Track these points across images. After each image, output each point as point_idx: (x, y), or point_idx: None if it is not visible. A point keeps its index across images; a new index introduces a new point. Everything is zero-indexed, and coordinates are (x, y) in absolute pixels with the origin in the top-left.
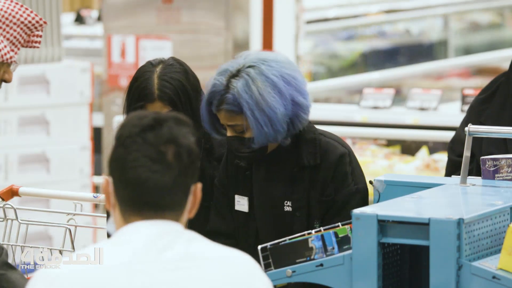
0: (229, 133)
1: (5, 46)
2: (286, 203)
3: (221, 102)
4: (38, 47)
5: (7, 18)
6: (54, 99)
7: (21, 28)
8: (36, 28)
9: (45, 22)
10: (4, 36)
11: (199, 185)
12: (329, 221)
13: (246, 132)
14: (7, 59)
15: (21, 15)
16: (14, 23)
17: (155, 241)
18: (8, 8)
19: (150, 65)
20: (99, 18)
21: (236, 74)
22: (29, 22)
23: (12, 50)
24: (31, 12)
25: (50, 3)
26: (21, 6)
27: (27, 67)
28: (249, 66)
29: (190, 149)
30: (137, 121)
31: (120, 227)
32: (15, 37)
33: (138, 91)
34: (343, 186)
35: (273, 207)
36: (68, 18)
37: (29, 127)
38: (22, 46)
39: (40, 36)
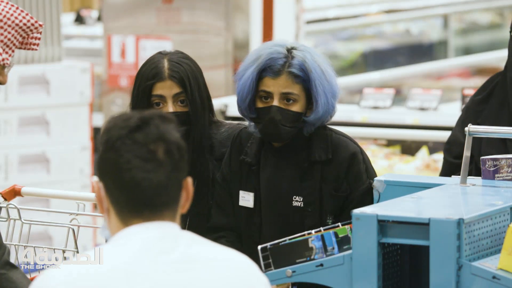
0: (276, 103)
1: None
2: (295, 198)
3: (284, 66)
4: (36, 49)
5: (1, 20)
6: (54, 99)
7: (16, 31)
8: (31, 30)
9: (40, 25)
10: None
11: (189, 179)
12: (346, 219)
13: (295, 105)
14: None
15: (16, 17)
16: (9, 25)
17: (154, 244)
18: (3, 10)
19: (159, 53)
20: (99, 18)
21: (294, 47)
22: (24, 24)
23: (6, 53)
24: (27, 14)
25: (50, 3)
26: (17, 8)
27: (27, 67)
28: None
29: (178, 144)
30: (123, 123)
31: (117, 231)
32: (9, 39)
33: (148, 71)
34: (358, 184)
35: (280, 202)
36: (68, 18)
37: (29, 127)
38: (19, 48)
39: (39, 39)
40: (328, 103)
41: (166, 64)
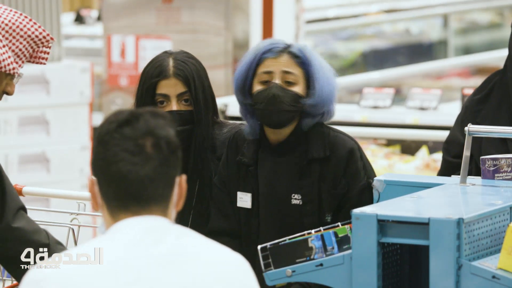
0: (277, 80)
1: (9, 57)
2: (294, 196)
3: (285, 48)
4: (44, 64)
5: (14, 30)
6: (54, 99)
7: (28, 42)
8: (42, 43)
9: (52, 38)
10: (10, 48)
11: (183, 177)
12: (344, 217)
13: (294, 87)
14: (9, 70)
15: (28, 29)
16: (21, 36)
17: (142, 237)
18: (16, 20)
19: (164, 53)
20: (99, 18)
21: (292, 44)
22: (36, 36)
23: (16, 62)
24: (39, 27)
25: (50, 3)
26: (30, 20)
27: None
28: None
29: (168, 139)
30: (114, 118)
31: (109, 226)
32: (20, 50)
33: (153, 69)
34: (356, 181)
35: (279, 200)
36: (68, 18)
37: (29, 127)
38: (28, 61)
39: (47, 53)
40: (323, 91)
41: (171, 62)
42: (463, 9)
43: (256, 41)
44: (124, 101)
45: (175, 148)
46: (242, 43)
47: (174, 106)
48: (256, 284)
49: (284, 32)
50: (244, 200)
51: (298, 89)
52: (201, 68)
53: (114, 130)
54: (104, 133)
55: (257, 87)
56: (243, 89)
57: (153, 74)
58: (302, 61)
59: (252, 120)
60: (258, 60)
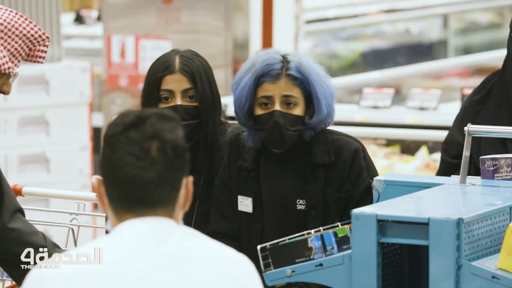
0: (277, 107)
1: (4, 56)
2: (299, 201)
3: (282, 69)
4: (42, 63)
5: (9, 30)
6: (54, 99)
7: (23, 41)
8: (38, 42)
9: (48, 37)
10: (5, 47)
11: (190, 178)
12: (347, 217)
13: (295, 109)
14: (5, 69)
15: (24, 28)
16: (17, 35)
17: (146, 237)
18: (12, 19)
19: (172, 50)
20: (99, 18)
21: (287, 54)
22: (32, 35)
23: (12, 62)
24: (35, 26)
25: (50, 3)
26: (25, 19)
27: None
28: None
29: (174, 143)
30: (120, 120)
31: (114, 226)
32: (16, 49)
33: (159, 64)
34: (360, 181)
35: (284, 206)
36: (68, 18)
37: (29, 127)
38: (25, 60)
39: (45, 52)
40: (329, 104)
41: (177, 58)
42: (463, 9)
43: (256, 41)
44: (124, 101)
45: (182, 151)
46: (242, 43)
47: (178, 102)
48: (258, 285)
49: (284, 32)
50: (245, 204)
51: (299, 110)
52: (208, 66)
53: (120, 133)
54: (110, 136)
55: (258, 111)
56: (244, 112)
57: (159, 69)
58: (301, 82)
59: (254, 133)
60: (256, 83)
